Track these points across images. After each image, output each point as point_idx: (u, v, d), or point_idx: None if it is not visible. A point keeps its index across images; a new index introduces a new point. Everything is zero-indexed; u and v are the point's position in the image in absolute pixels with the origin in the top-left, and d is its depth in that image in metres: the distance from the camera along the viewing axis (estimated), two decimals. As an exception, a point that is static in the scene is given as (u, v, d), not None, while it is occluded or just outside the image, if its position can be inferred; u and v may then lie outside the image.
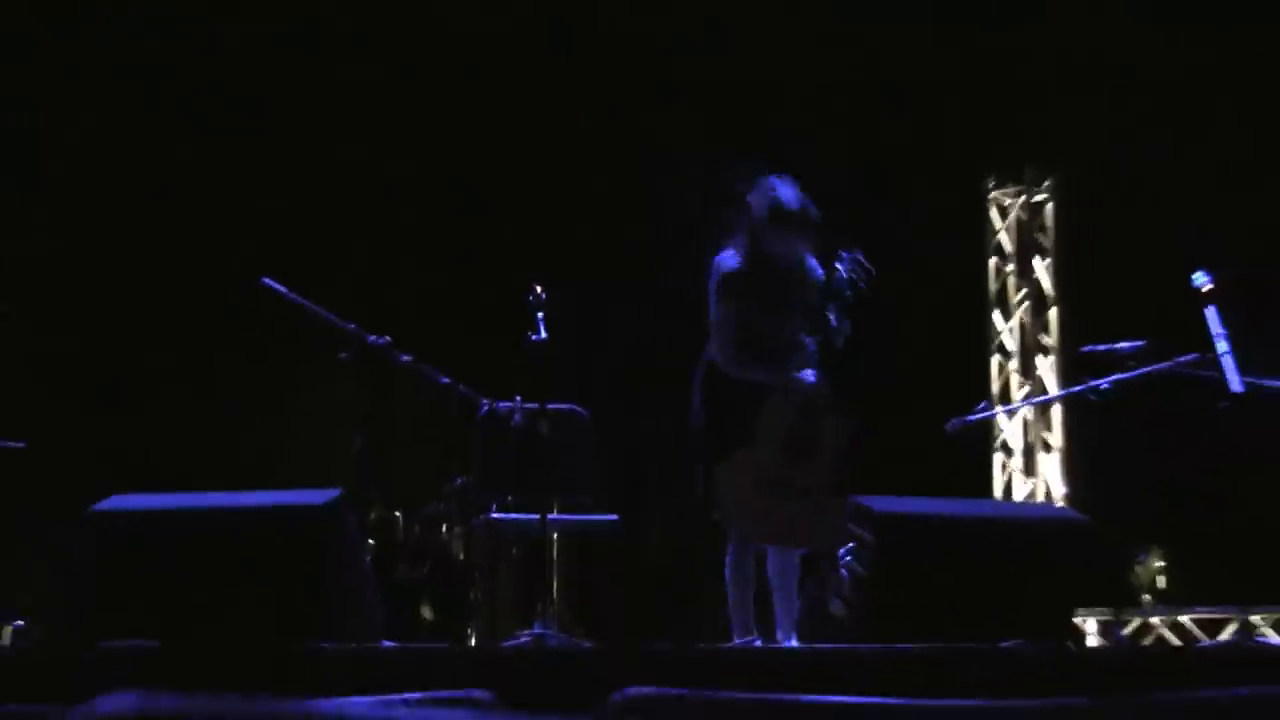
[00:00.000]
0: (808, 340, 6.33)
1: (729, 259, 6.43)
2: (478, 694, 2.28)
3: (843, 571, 5.16)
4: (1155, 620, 8.71)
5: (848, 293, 6.24)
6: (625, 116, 9.49)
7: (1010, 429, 9.58)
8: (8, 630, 7.15)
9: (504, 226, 9.34)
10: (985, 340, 9.66)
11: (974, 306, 9.66)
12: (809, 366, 6.27)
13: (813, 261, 6.47)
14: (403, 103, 9.47)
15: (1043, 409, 9.48)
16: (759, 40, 9.48)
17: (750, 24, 9.51)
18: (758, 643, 6.21)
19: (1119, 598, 8.46)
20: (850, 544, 5.18)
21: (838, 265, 6.28)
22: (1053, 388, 9.40)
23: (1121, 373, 6.43)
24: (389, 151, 9.46)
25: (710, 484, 6.32)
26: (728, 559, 6.42)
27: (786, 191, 6.38)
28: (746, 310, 6.36)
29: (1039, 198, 9.72)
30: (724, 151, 9.02)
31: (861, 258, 6.29)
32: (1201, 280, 6.25)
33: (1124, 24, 9.29)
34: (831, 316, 6.25)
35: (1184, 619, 8.60)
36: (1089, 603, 8.37)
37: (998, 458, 9.54)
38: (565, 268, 8.51)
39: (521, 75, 9.52)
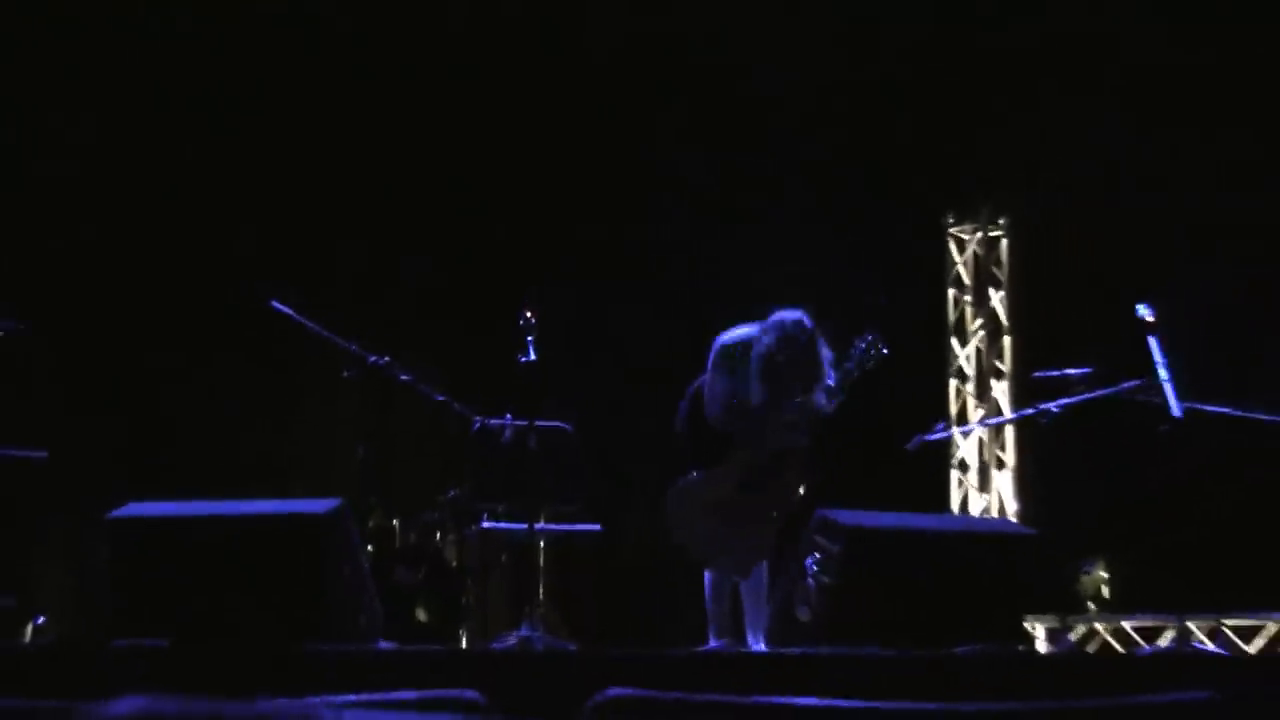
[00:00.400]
0: (795, 403, 6.35)
1: (732, 335, 6.45)
2: (468, 694, 2.26)
3: (809, 580, 5.15)
4: (1099, 627, 8.70)
5: (853, 367, 6.29)
6: (613, 134, 9.48)
7: (966, 448, 9.58)
8: (28, 627, 7.11)
9: (498, 256, 9.33)
10: (944, 365, 9.67)
11: (934, 334, 9.67)
12: (795, 425, 6.31)
13: (823, 352, 6.44)
14: (402, 130, 9.44)
15: (997, 430, 9.48)
16: (740, 80, 9.49)
17: (731, 61, 9.52)
18: (731, 647, 6.19)
19: (1066, 605, 8.45)
20: (816, 555, 5.17)
21: (856, 342, 6.33)
22: (1006, 410, 9.40)
23: (1070, 397, 6.43)
24: (394, 179, 9.44)
25: (666, 497, 6.35)
26: (707, 569, 6.42)
27: (784, 340, 6.32)
28: (736, 386, 6.38)
29: (994, 234, 9.73)
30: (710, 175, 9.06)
31: (879, 341, 6.33)
32: (1144, 312, 6.26)
33: (1074, 67, 9.32)
34: (831, 381, 6.28)
35: (1126, 625, 8.60)
36: (1038, 610, 8.37)
37: (954, 475, 9.54)
38: (553, 294, 8.50)
39: (517, 89, 9.50)
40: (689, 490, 6.29)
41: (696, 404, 6.49)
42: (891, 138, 9.41)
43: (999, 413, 9.44)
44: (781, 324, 6.30)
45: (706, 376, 6.44)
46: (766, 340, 6.30)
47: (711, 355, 6.46)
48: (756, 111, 9.44)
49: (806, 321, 6.31)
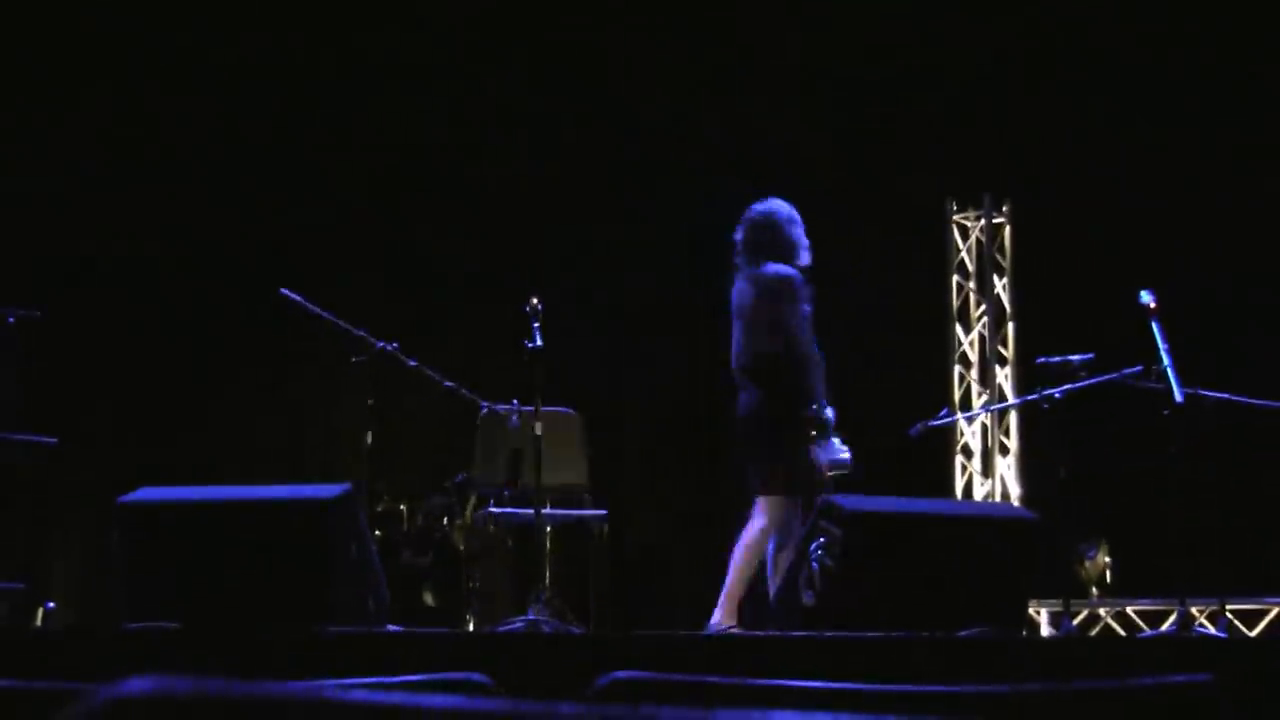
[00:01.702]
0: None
1: (792, 270, 6.47)
2: (475, 677, 2.27)
3: (814, 565, 5.15)
4: (1102, 611, 8.71)
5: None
6: (615, 119, 9.48)
7: (970, 433, 9.58)
8: (38, 613, 7.13)
9: (504, 242, 9.33)
10: (948, 351, 9.66)
11: (937, 320, 9.67)
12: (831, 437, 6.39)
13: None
14: (408, 117, 9.44)
15: (1000, 415, 9.48)
16: (745, 76, 9.49)
17: (735, 60, 9.51)
18: (735, 629, 6.19)
19: (1069, 590, 8.45)
20: (821, 539, 5.17)
21: None
22: (1010, 396, 9.40)
23: (1072, 383, 6.43)
24: (401, 166, 9.44)
25: (796, 461, 6.27)
26: (748, 540, 6.27)
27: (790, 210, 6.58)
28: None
29: (997, 221, 9.73)
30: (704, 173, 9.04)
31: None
32: (1147, 298, 6.25)
33: (1076, 55, 9.31)
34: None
35: (1129, 610, 8.60)
36: (1041, 594, 8.37)
37: (958, 460, 9.54)
38: (560, 277, 8.50)
39: (519, 78, 9.50)
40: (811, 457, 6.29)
41: (785, 374, 6.41)
42: (894, 124, 9.40)
43: (1002, 398, 9.44)
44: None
45: (790, 318, 6.39)
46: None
47: (792, 291, 6.42)
48: (759, 100, 9.43)
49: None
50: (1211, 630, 6.60)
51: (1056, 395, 6.39)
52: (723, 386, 6.62)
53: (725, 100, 9.40)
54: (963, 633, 4.72)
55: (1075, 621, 8.44)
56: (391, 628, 5.11)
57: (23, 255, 8.45)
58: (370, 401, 6.50)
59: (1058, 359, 6.52)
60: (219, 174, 9.12)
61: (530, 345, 6.21)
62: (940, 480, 9.38)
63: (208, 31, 9.19)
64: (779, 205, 6.59)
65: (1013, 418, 9.51)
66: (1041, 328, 8.90)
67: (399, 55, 9.42)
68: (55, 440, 6.93)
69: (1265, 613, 8.32)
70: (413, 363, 6.59)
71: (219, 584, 4.89)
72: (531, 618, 5.94)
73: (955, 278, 9.78)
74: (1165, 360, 6.06)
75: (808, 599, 5.17)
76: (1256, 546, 8.34)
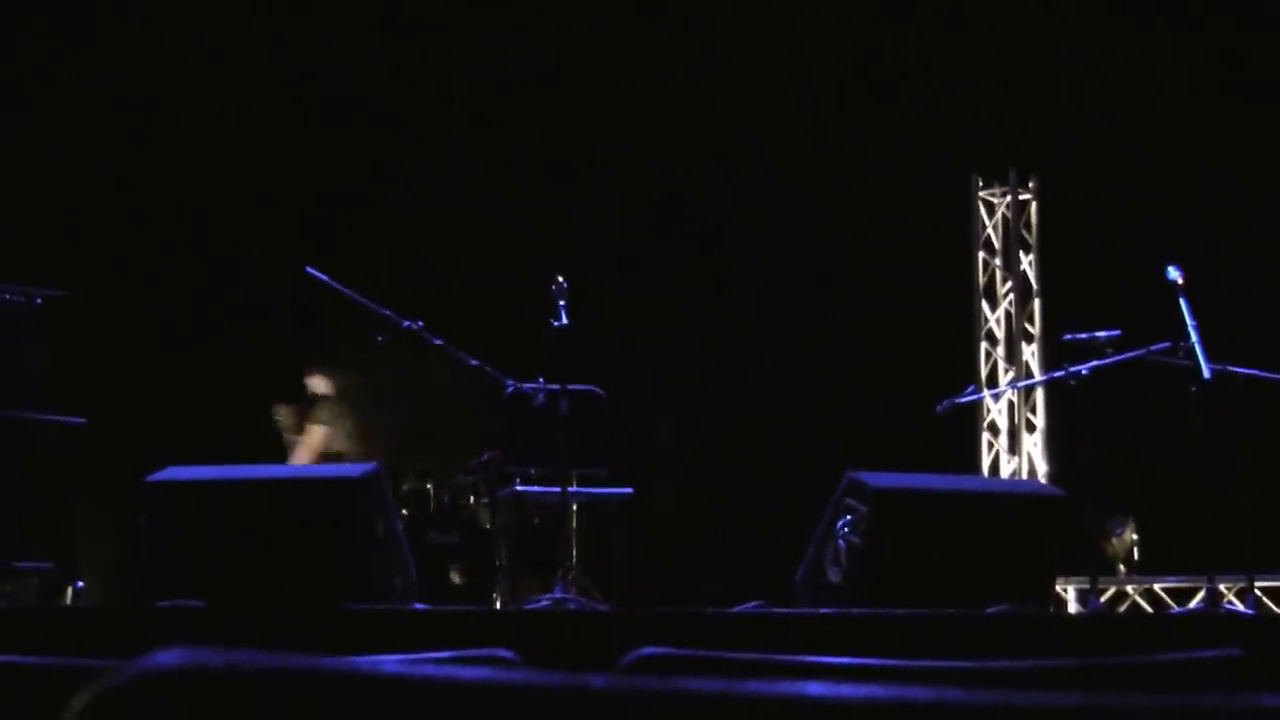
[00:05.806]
0: None
1: None
2: (502, 653, 2.28)
3: (840, 541, 5.16)
4: (1129, 588, 8.70)
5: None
6: (628, 107, 9.47)
7: (996, 410, 9.56)
8: (67, 593, 7.18)
9: (529, 220, 9.34)
10: (974, 328, 9.65)
11: (964, 297, 9.65)
12: None
13: None
14: (433, 93, 9.45)
15: (1026, 392, 9.46)
16: (766, 54, 9.47)
17: (757, 38, 9.49)
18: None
19: (1096, 566, 8.44)
20: (847, 516, 5.17)
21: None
22: (1036, 372, 9.38)
23: (1099, 359, 6.41)
24: (426, 142, 9.45)
25: None
26: None
27: None
28: None
29: (1023, 197, 9.69)
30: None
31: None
32: (1174, 274, 6.22)
33: (1103, 32, 9.27)
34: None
35: (1156, 587, 8.59)
36: (1068, 571, 8.36)
37: (985, 437, 9.53)
38: (582, 258, 8.50)
39: (544, 56, 9.51)
40: None
41: None
42: (919, 100, 9.37)
43: (1029, 375, 9.42)
44: None
45: None
46: None
47: None
48: (782, 77, 9.41)
49: None
50: (1239, 607, 6.57)
51: (1083, 372, 6.37)
52: (745, 370, 6.62)
53: (747, 79, 9.37)
54: (989, 610, 4.72)
55: (1102, 599, 8.43)
56: (418, 605, 5.13)
57: (49, 236, 8.48)
58: (395, 380, 6.51)
59: (1084, 335, 6.50)
60: (244, 153, 9.13)
61: (556, 323, 6.21)
62: (967, 457, 9.37)
63: (231, 14, 9.20)
64: None
65: (1039, 394, 9.49)
66: (1068, 304, 8.88)
67: (413, 40, 9.42)
68: (83, 420, 6.97)
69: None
70: (438, 341, 6.60)
71: (246, 563, 4.91)
72: (558, 595, 5.95)
73: (981, 254, 9.75)
74: (1193, 336, 6.04)
75: (834, 576, 5.18)
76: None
